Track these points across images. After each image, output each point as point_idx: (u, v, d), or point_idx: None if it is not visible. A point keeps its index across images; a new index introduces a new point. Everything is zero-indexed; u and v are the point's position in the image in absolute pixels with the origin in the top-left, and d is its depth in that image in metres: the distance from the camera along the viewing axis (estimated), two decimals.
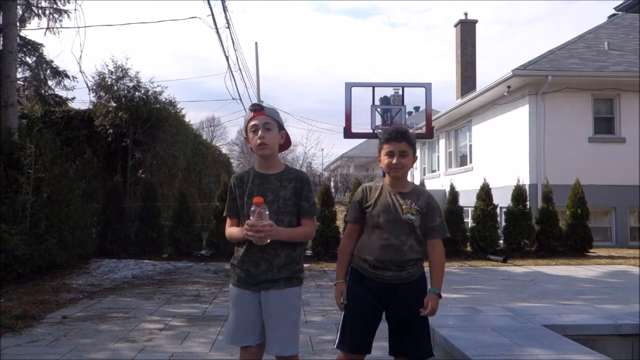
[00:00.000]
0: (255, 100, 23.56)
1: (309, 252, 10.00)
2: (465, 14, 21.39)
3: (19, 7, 9.87)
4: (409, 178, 2.64)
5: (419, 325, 2.47)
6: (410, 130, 11.07)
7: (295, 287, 2.40)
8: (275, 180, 2.40)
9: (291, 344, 2.35)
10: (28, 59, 10.86)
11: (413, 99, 51.06)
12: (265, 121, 2.37)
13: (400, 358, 2.51)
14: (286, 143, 2.54)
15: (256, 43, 29.62)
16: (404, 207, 2.48)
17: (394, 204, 2.49)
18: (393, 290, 2.46)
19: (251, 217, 2.25)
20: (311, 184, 2.50)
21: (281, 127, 2.45)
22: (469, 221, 12.71)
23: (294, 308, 2.39)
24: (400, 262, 2.45)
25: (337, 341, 2.53)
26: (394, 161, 2.48)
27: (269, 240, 2.27)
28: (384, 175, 2.64)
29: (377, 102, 9.19)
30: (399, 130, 2.54)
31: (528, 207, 10.52)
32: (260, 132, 2.35)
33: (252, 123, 2.38)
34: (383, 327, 2.56)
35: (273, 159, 2.44)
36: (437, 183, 19.07)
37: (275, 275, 2.35)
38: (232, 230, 2.45)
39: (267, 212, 2.25)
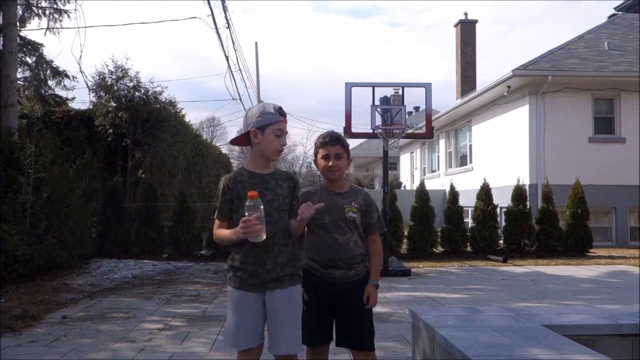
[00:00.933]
0: (255, 100, 23.60)
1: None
2: (465, 14, 21.40)
3: (19, 7, 9.87)
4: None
5: (364, 318, 2.62)
6: (410, 130, 10.90)
7: (297, 285, 2.43)
8: (271, 179, 2.44)
9: (297, 343, 2.37)
10: (28, 59, 10.86)
11: (413, 99, 51.08)
12: (286, 130, 2.49)
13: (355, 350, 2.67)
14: None
15: (256, 43, 29.65)
16: (345, 206, 2.63)
17: (335, 204, 2.63)
18: (342, 288, 2.60)
19: (247, 213, 2.22)
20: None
21: None
22: (469, 221, 12.71)
23: (298, 306, 2.41)
24: (348, 259, 2.59)
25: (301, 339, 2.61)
26: (330, 164, 2.63)
27: (264, 237, 2.25)
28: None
29: (377, 102, 9.16)
30: (333, 135, 2.69)
31: (528, 207, 10.52)
32: (283, 140, 2.45)
33: (279, 127, 2.43)
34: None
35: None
36: (437, 183, 19.07)
37: (280, 272, 2.36)
38: (222, 232, 2.41)
39: (261, 207, 2.23)
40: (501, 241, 10.51)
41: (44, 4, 10.67)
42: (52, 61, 10.97)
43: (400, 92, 9.57)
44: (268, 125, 2.40)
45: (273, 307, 2.35)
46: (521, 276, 8.01)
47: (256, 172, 2.44)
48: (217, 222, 2.45)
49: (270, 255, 2.35)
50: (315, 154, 2.74)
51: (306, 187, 2.88)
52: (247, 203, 2.21)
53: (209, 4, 30.73)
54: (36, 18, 10.74)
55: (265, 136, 2.40)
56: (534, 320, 3.00)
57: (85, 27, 14.38)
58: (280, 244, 2.37)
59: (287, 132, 2.49)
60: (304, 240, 2.70)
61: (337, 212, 2.62)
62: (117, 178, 10.55)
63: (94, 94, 11.72)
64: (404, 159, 25.81)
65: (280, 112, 2.43)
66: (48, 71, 10.95)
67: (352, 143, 36.03)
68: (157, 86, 11.92)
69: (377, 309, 2.73)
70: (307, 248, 2.66)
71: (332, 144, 2.65)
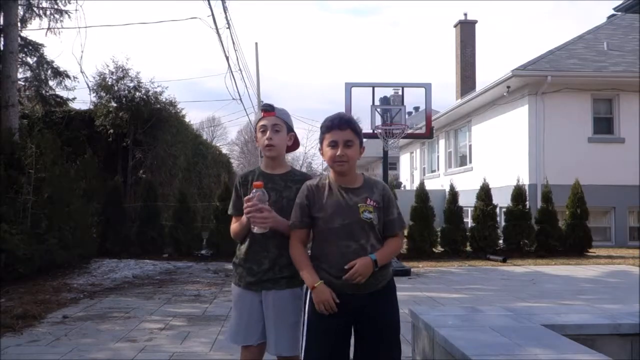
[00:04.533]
0: (255, 101, 23.52)
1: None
2: (465, 15, 21.40)
3: (20, 7, 9.88)
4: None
5: (390, 335, 2.22)
6: (410, 131, 10.84)
7: (297, 287, 2.39)
8: (280, 180, 2.42)
9: (292, 345, 2.35)
10: (29, 59, 10.89)
11: (413, 99, 50.89)
12: (274, 122, 2.40)
13: None
14: (294, 145, 2.57)
15: (256, 43, 29.57)
16: (359, 205, 2.17)
17: (347, 203, 2.18)
18: (362, 300, 2.17)
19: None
20: None
21: (290, 128, 2.48)
22: (468, 221, 12.72)
23: (295, 309, 2.38)
24: None
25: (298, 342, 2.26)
26: (338, 152, 2.16)
27: (268, 229, 2.27)
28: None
29: (377, 102, 9.19)
30: (343, 117, 2.23)
31: (528, 207, 10.54)
32: (268, 133, 2.38)
33: (262, 123, 2.41)
34: None
35: (279, 159, 2.46)
36: (436, 183, 19.08)
37: (277, 273, 2.35)
38: (234, 226, 2.45)
39: (267, 197, 2.25)
40: (501, 241, 10.52)
41: (44, 5, 10.71)
42: (52, 61, 11.01)
43: (400, 92, 9.61)
44: (256, 126, 2.46)
45: (268, 307, 2.36)
46: (521, 276, 8.02)
47: (266, 172, 2.45)
48: (233, 219, 2.49)
49: (268, 255, 2.36)
50: (321, 140, 2.25)
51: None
52: (253, 191, 2.25)
53: (209, 4, 30.76)
54: (37, 18, 10.79)
55: (257, 136, 2.45)
56: (534, 320, 3.01)
57: (86, 27, 14.35)
58: (280, 247, 2.35)
59: (276, 125, 2.39)
60: (312, 247, 2.30)
61: (350, 213, 2.16)
62: (118, 178, 10.56)
63: (94, 94, 11.75)
64: (404, 159, 25.82)
65: (263, 108, 2.43)
66: (49, 71, 10.98)
67: None
68: (158, 86, 11.98)
69: None
70: (316, 257, 2.24)
71: (340, 127, 2.17)
